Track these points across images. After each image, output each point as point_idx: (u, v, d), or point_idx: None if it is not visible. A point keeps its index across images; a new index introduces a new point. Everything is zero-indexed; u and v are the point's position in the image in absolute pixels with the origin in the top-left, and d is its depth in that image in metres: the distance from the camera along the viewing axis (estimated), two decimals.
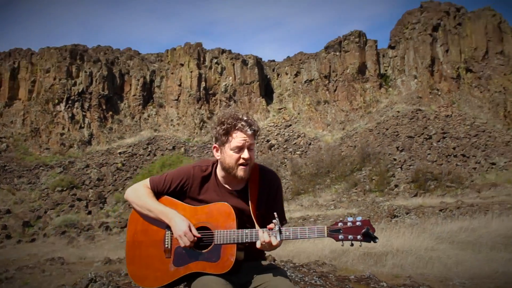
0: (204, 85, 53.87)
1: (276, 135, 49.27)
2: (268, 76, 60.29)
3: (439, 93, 49.80)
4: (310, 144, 46.84)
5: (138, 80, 53.91)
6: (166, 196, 2.88)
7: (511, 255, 9.92)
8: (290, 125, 51.42)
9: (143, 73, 54.68)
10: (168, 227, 2.77)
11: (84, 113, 50.05)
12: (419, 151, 38.64)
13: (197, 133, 49.71)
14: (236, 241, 2.70)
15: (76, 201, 34.08)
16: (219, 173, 2.91)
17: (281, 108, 55.58)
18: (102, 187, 38.17)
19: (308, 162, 40.63)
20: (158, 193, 2.88)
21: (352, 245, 2.60)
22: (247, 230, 2.72)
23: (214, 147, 2.88)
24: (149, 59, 58.36)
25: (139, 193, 2.86)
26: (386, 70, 55.71)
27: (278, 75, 59.77)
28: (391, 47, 56.57)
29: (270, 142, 47.63)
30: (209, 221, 2.77)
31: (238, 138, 2.73)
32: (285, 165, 41.59)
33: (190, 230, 2.71)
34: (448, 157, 37.37)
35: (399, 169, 35.61)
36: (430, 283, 7.30)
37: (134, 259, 2.85)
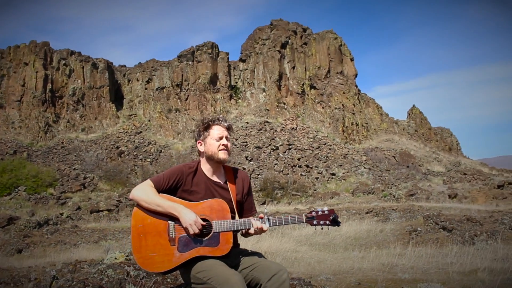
0: (50, 87, 50.56)
1: (126, 141, 48.02)
2: (119, 82, 58.72)
3: (286, 106, 52.56)
4: (160, 151, 46.42)
5: None
6: (162, 193, 3.35)
7: (363, 254, 10.88)
8: (141, 132, 50.50)
9: None
10: (171, 219, 3.28)
11: None
12: (267, 161, 40.23)
13: (41, 137, 46.44)
14: (232, 229, 3.32)
15: None
16: (204, 167, 3.54)
17: (132, 115, 54.45)
18: None
19: (159, 170, 40.16)
20: (158, 191, 3.35)
21: (322, 228, 3.50)
22: (241, 220, 3.37)
23: (199, 142, 3.56)
24: None
25: (147, 192, 3.30)
26: (236, 82, 57.45)
27: (129, 81, 58.50)
28: (242, 60, 58.47)
29: (120, 148, 46.26)
30: (206, 213, 3.32)
31: (217, 131, 3.48)
32: (136, 172, 40.69)
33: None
34: (294, 167, 39.43)
35: None
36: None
37: (140, 248, 3.24)
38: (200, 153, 3.59)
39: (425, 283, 7.16)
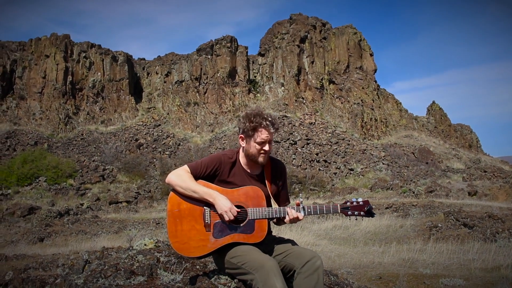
0: (70, 79, 51.29)
1: (145, 134, 48.42)
2: (138, 75, 59.12)
3: (304, 101, 52.43)
4: (179, 144, 46.71)
5: None
6: (200, 180, 3.40)
7: (383, 249, 10.85)
8: (159, 125, 50.88)
9: (2, 61, 50.40)
10: (206, 205, 3.32)
11: None
12: (285, 155, 40.22)
13: (61, 128, 47.09)
14: (268, 217, 3.32)
15: None
16: (242, 160, 3.55)
17: (150, 108, 54.83)
18: None
19: (178, 162, 40.35)
20: (195, 177, 3.39)
21: (356, 219, 3.52)
22: (276, 208, 3.37)
23: (240, 137, 3.51)
24: (9, 47, 53.87)
25: (184, 178, 3.34)
26: (255, 76, 57.42)
27: (148, 74, 58.87)
28: (260, 54, 58.41)
29: (138, 141, 46.65)
30: (242, 200, 3.36)
31: (262, 135, 3.40)
32: (154, 165, 41.00)
33: None
34: (312, 162, 39.37)
35: None
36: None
37: (176, 233, 3.30)
38: (240, 145, 3.57)
39: (447, 279, 7.12)
